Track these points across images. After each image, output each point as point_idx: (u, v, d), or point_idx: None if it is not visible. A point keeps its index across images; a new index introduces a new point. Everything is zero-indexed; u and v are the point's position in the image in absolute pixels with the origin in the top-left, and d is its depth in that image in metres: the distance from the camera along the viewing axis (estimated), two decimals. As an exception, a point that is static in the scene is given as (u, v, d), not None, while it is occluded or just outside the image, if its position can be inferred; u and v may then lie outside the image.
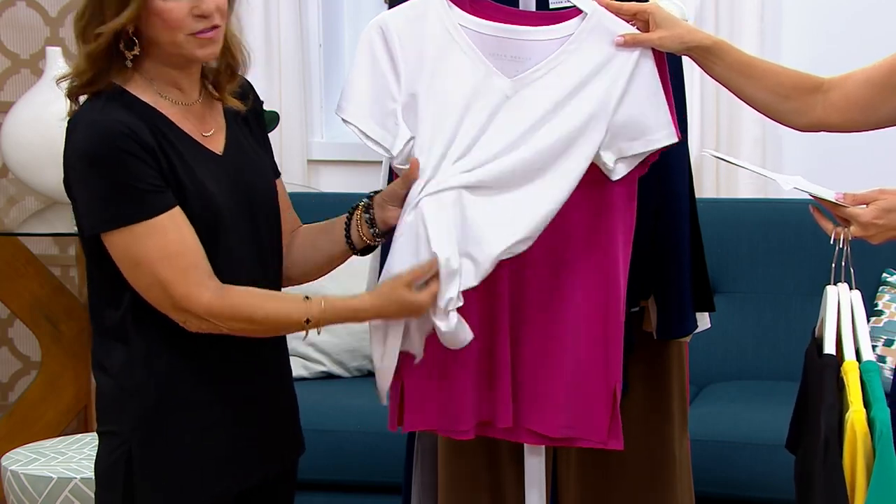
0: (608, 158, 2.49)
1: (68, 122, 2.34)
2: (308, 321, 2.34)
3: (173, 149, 2.31)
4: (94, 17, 2.30)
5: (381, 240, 2.52)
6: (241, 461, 2.40)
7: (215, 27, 2.33)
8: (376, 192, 2.53)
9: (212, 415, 2.37)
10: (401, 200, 2.49)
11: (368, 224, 2.50)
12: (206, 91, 2.42)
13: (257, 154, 2.48)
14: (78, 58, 2.34)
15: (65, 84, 2.36)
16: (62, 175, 2.35)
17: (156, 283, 2.27)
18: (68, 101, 2.38)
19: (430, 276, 2.39)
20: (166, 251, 2.26)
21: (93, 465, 3.35)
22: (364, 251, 2.54)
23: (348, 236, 2.51)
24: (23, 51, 5.08)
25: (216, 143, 2.40)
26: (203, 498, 2.36)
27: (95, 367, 2.39)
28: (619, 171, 2.50)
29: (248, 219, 2.39)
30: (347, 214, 2.53)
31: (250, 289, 2.34)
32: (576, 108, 2.48)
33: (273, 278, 2.44)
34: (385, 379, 2.51)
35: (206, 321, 2.29)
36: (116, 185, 2.25)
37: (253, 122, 2.50)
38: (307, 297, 2.34)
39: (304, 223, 2.52)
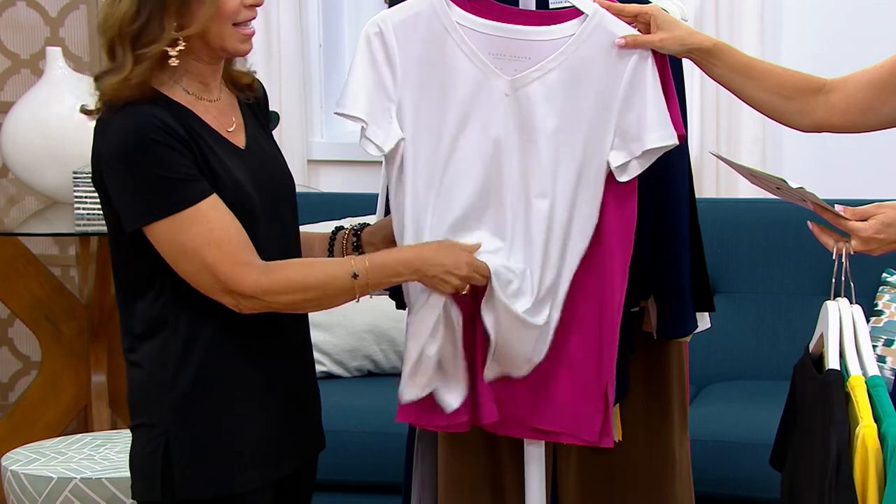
0: (617, 159, 2.50)
1: (98, 122, 2.35)
2: (356, 276, 2.35)
3: (203, 142, 2.34)
4: (153, 18, 2.30)
5: None
6: (275, 451, 2.43)
7: (253, 20, 2.39)
8: (363, 226, 2.57)
9: (245, 404, 2.39)
10: (392, 237, 2.55)
11: None
12: (226, 88, 2.45)
13: (273, 148, 2.51)
14: (128, 63, 2.31)
15: (108, 87, 2.32)
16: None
17: (203, 268, 2.29)
18: (99, 102, 2.36)
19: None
20: (211, 236, 2.28)
21: (93, 466, 3.39)
22: None
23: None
24: (23, 51, 5.08)
25: (238, 137, 2.43)
26: (239, 486, 2.39)
27: (127, 363, 2.42)
28: (632, 171, 2.52)
29: (272, 211, 2.41)
30: (329, 240, 2.57)
31: (292, 260, 2.37)
32: (582, 110, 2.49)
33: None
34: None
35: (257, 300, 2.31)
36: (156, 177, 2.27)
37: (262, 118, 2.53)
38: (355, 276, 2.36)
39: (303, 223, 2.54)
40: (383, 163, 2.60)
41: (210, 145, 2.34)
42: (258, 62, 4.76)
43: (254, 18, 2.39)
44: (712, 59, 2.53)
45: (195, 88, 2.38)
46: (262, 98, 2.55)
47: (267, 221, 2.39)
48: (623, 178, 2.52)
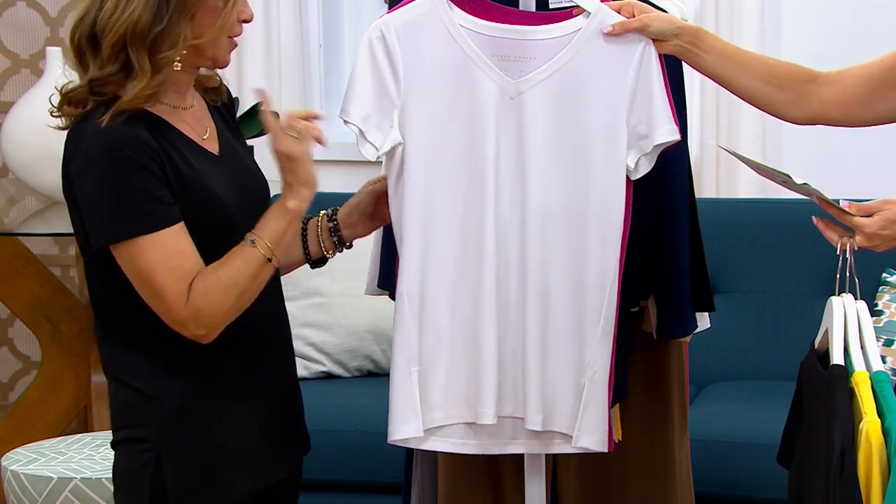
0: (630, 159, 2.50)
1: (70, 131, 2.31)
2: (270, 259, 2.32)
3: (177, 152, 2.31)
4: (172, 24, 2.27)
5: (340, 251, 2.57)
6: (264, 458, 2.43)
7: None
8: (336, 209, 2.57)
9: (235, 415, 2.38)
10: (370, 213, 2.56)
11: (336, 242, 2.55)
12: (196, 93, 2.43)
13: (245, 152, 2.50)
14: (146, 69, 2.27)
15: (131, 94, 2.27)
16: (61, 181, 2.33)
17: (153, 294, 2.27)
18: (66, 103, 2.32)
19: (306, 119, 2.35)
20: (165, 263, 2.26)
21: (93, 466, 3.39)
22: (318, 263, 2.58)
23: (306, 249, 2.55)
24: (23, 51, 5.08)
25: (212, 144, 2.41)
26: (231, 497, 2.38)
27: (111, 378, 2.39)
28: (641, 169, 2.53)
29: (249, 216, 2.39)
30: (301, 228, 2.55)
31: (201, 273, 2.29)
32: (591, 110, 2.49)
33: (275, 275, 2.45)
34: None
35: (199, 324, 2.28)
36: (125, 196, 2.25)
37: (231, 120, 2.52)
38: (252, 242, 2.31)
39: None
40: (384, 164, 2.60)
41: (183, 154, 2.31)
42: (258, 62, 4.77)
43: (241, 34, 2.39)
44: (700, 44, 2.52)
45: (171, 98, 2.35)
46: (229, 100, 2.53)
47: (244, 227, 2.36)
48: (634, 177, 2.53)
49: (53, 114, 2.35)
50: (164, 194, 2.27)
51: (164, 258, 2.26)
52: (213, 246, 2.32)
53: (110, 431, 2.43)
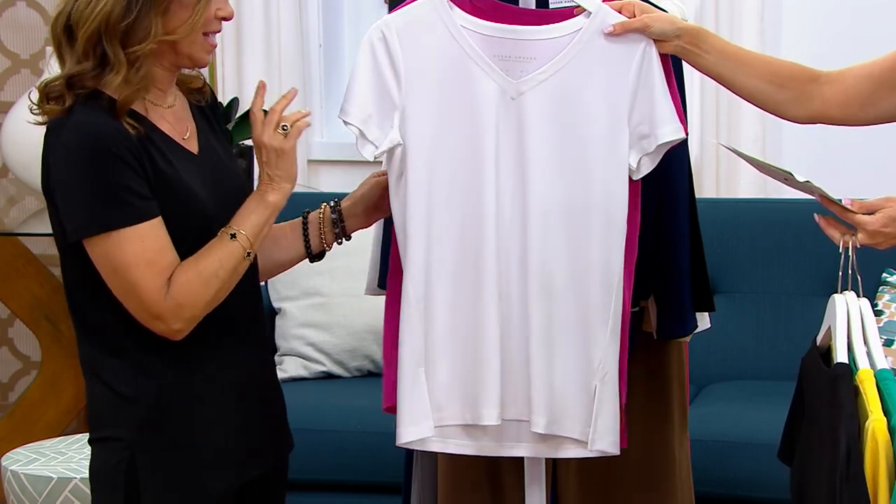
0: (632, 158, 2.50)
1: (50, 124, 2.32)
2: (249, 254, 2.34)
3: (157, 149, 2.31)
4: (142, 17, 2.27)
5: (339, 243, 2.58)
6: (239, 457, 2.42)
7: (218, 34, 2.38)
8: (338, 201, 2.57)
9: (209, 413, 2.38)
10: (374, 205, 2.57)
11: (338, 234, 2.56)
12: (178, 93, 2.44)
13: (226, 153, 2.50)
14: (121, 62, 2.27)
15: (113, 88, 2.28)
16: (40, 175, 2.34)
17: (130, 288, 2.26)
18: (45, 100, 2.33)
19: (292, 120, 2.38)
20: (144, 257, 2.25)
21: (93, 466, 3.39)
22: (317, 257, 2.59)
23: (307, 242, 2.55)
24: (23, 51, 5.08)
25: (192, 144, 2.41)
26: (208, 495, 2.37)
27: (90, 376, 2.38)
28: (643, 169, 2.52)
29: (227, 218, 2.38)
30: (302, 221, 2.56)
31: (181, 263, 2.30)
32: (592, 110, 2.49)
33: (251, 275, 2.45)
34: None
35: (178, 318, 2.28)
36: (105, 188, 2.24)
37: (212, 118, 2.51)
38: (232, 236, 2.33)
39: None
40: (384, 164, 2.60)
41: (163, 152, 2.31)
42: (258, 62, 4.77)
43: (219, 31, 2.39)
44: (702, 44, 2.53)
45: (152, 95, 2.35)
46: (213, 100, 2.53)
47: (222, 227, 2.36)
48: (637, 177, 2.53)
49: (33, 111, 2.35)
50: (143, 189, 2.27)
51: (143, 252, 2.25)
52: (187, 245, 2.32)
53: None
